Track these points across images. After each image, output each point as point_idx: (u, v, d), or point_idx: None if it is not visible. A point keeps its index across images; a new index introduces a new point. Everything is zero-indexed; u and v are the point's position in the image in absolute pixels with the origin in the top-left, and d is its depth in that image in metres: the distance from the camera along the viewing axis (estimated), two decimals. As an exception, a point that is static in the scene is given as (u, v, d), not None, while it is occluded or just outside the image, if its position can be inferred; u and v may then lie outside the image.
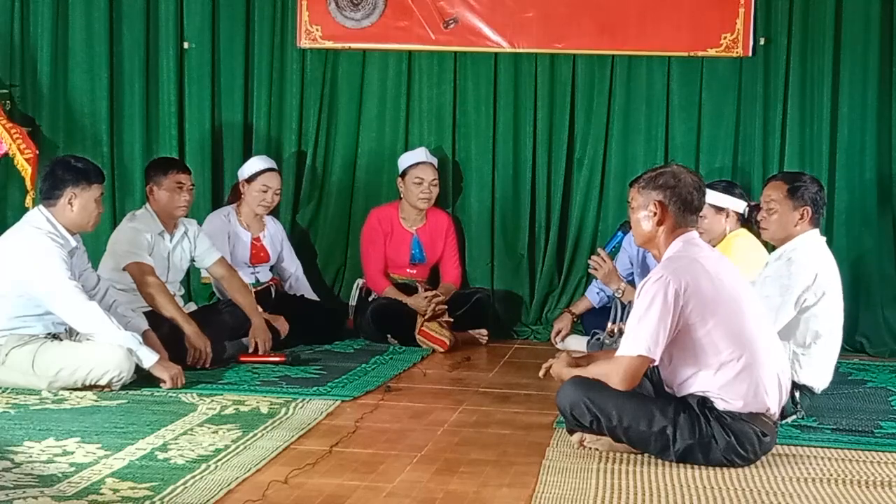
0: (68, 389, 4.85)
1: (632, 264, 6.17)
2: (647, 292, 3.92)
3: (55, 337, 5.01)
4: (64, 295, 4.92)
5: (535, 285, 6.87)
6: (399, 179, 6.65)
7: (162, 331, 5.33)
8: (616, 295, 5.95)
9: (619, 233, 6.08)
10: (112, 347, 4.88)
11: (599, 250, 6.03)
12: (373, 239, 6.61)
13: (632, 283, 5.94)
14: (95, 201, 5.05)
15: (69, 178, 5.05)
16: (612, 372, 3.98)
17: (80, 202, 5.02)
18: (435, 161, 6.65)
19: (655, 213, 4.02)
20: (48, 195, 5.07)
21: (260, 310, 5.95)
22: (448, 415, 4.71)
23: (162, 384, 4.97)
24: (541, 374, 4.36)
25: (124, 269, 5.59)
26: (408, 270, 6.67)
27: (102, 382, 4.86)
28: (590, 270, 6.11)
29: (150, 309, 5.52)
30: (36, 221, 5.04)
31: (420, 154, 6.63)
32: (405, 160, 6.64)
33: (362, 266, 6.70)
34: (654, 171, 4.18)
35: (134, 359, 4.92)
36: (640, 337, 3.89)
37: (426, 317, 6.25)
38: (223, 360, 5.54)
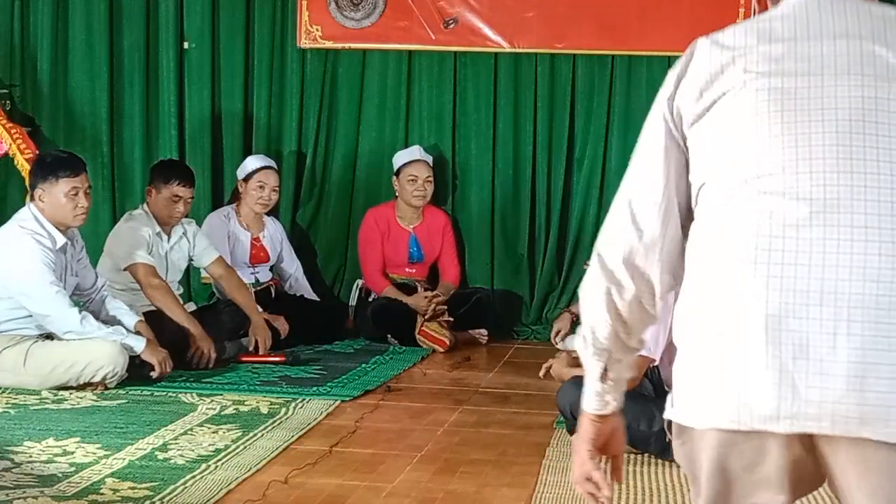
0: (62, 388, 4.84)
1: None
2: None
3: (48, 337, 5.00)
4: (44, 302, 4.89)
5: (535, 285, 6.87)
6: (394, 178, 6.66)
7: (167, 331, 5.32)
8: None
9: None
10: (104, 343, 4.87)
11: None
12: (370, 239, 6.62)
13: None
14: (66, 195, 4.96)
15: (38, 173, 5.05)
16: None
17: (49, 198, 4.98)
18: (429, 159, 6.66)
19: None
20: (30, 192, 5.09)
21: (259, 309, 5.95)
22: (448, 415, 4.71)
23: (152, 373, 4.98)
24: (541, 374, 4.37)
25: (125, 270, 5.58)
26: (407, 270, 6.67)
27: (96, 379, 4.85)
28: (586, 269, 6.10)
29: (151, 308, 5.52)
30: (23, 220, 5.01)
31: (414, 152, 6.64)
32: (399, 159, 6.65)
33: (361, 267, 6.70)
34: None
35: (126, 350, 4.92)
36: (641, 337, 3.89)
37: (426, 317, 6.26)
38: (223, 360, 5.54)
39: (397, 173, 6.64)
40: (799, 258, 1.66)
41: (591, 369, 1.90)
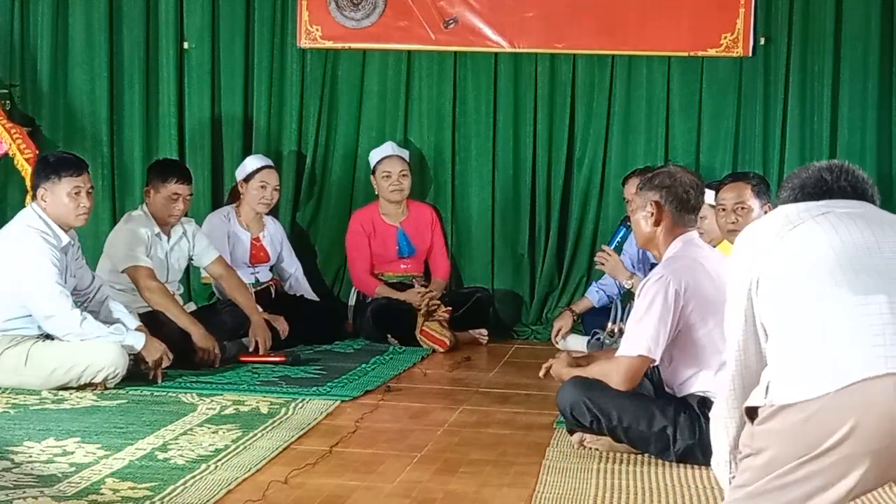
0: (62, 388, 4.84)
1: (633, 265, 6.16)
2: (647, 292, 3.92)
3: (48, 337, 5.00)
4: (47, 301, 4.88)
5: (535, 285, 6.87)
6: (371, 177, 6.69)
7: (167, 332, 5.32)
8: (626, 286, 5.96)
9: (622, 227, 6.10)
10: (106, 345, 4.87)
11: (604, 246, 6.04)
12: (356, 243, 6.64)
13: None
14: (69, 195, 4.97)
15: (41, 173, 5.06)
16: (613, 372, 3.98)
17: (51, 197, 4.99)
18: (404, 153, 6.67)
19: (652, 214, 4.02)
20: (32, 192, 5.11)
21: (259, 309, 5.96)
22: (448, 415, 4.71)
23: (153, 369, 4.99)
24: (541, 373, 4.36)
25: (123, 272, 5.58)
26: (402, 266, 6.68)
27: (97, 380, 4.85)
28: (597, 266, 6.12)
29: (149, 309, 5.52)
30: (28, 219, 5.02)
31: (386, 148, 6.66)
32: (373, 157, 6.68)
33: (350, 271, 6.72)
34: (652, 171, 4.20)
35: (127, 350, 4.92)
36: (641, 337, 3.89)
37: (421, 311, 6.26)
38: (223, 360, 5.54)
39: (373, 171, 6.67)
40: (870, 271, 2.34)
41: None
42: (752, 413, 2.39)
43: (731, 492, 2.39)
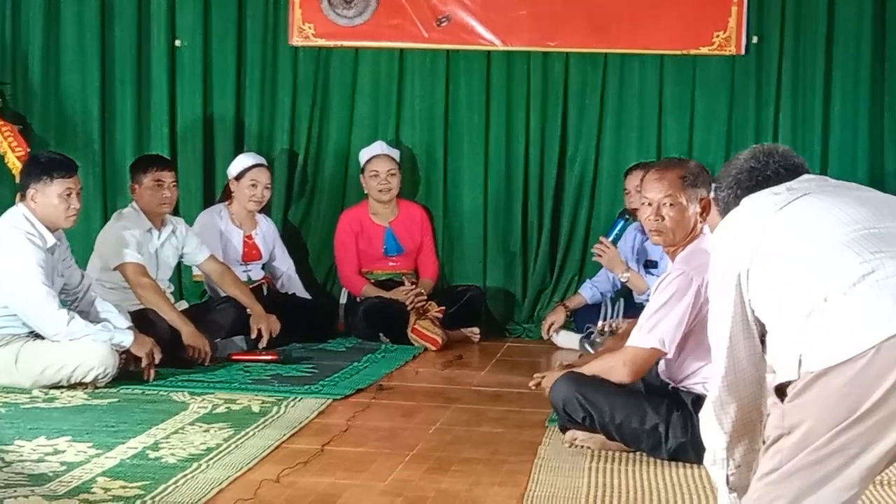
0: (53, 387, 4.83)
1: (626, 259, 6.15)
2: (668, 287, 3.89)
3: (38, 336, 4.98)
4: (34, 302, 4.87)
5: (527, 283, 6.87)
6: (361, 176, 6.69)
7: (158, 330, 5.31)
8: (622, 280, 5.97)
9: (620, 220, 6.11)
10: (96, 344, 4.86)
11: (602, 238, 6.05)
12: (343, 242, 6.65)
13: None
14: (60, 196, 4.95)
15: (32, 173, 5.03)
16: (619, 361, 3.97)
17: (42, 198, 4.96)
18: (394, 153, 6.67)
19: (703, 211, 4.00)
20: (21, 192, 5.08)
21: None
22: (440, 413, 4.70)
23: (142, 367, 4.99)
24: (531, 384, 4.35)
25: (115, 269, 5.57)
26: (390, 264, 6.68)
27: (87, 380, 4.84)
28: (594, 258, 6.13)
29: (141, 307, 5.51)
30: (14, 220, 5.00)
31: (375, 148, 6.66)
32: (362, 156, 6.69)
33: (338, 271, 6.72)
34: (682, 165, 4.10)
35: (116, 347, 4.91)
36: (656, 330, 3.88)
37: (409, 307, 6.26)
38: (215, 359, 5.53)
39: (362, 170, 6.67)
40: (870, 238, 2.36)
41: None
42: (782, 391, 2.35)
43: (758, 481, 2.33)
